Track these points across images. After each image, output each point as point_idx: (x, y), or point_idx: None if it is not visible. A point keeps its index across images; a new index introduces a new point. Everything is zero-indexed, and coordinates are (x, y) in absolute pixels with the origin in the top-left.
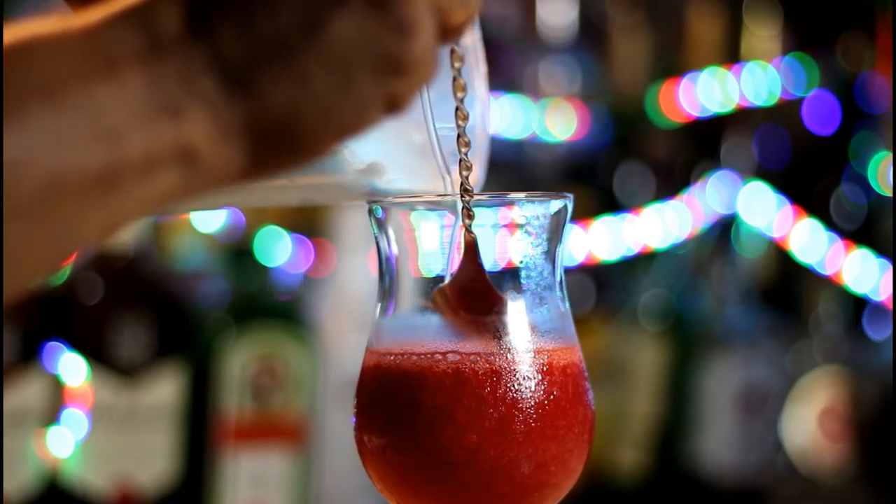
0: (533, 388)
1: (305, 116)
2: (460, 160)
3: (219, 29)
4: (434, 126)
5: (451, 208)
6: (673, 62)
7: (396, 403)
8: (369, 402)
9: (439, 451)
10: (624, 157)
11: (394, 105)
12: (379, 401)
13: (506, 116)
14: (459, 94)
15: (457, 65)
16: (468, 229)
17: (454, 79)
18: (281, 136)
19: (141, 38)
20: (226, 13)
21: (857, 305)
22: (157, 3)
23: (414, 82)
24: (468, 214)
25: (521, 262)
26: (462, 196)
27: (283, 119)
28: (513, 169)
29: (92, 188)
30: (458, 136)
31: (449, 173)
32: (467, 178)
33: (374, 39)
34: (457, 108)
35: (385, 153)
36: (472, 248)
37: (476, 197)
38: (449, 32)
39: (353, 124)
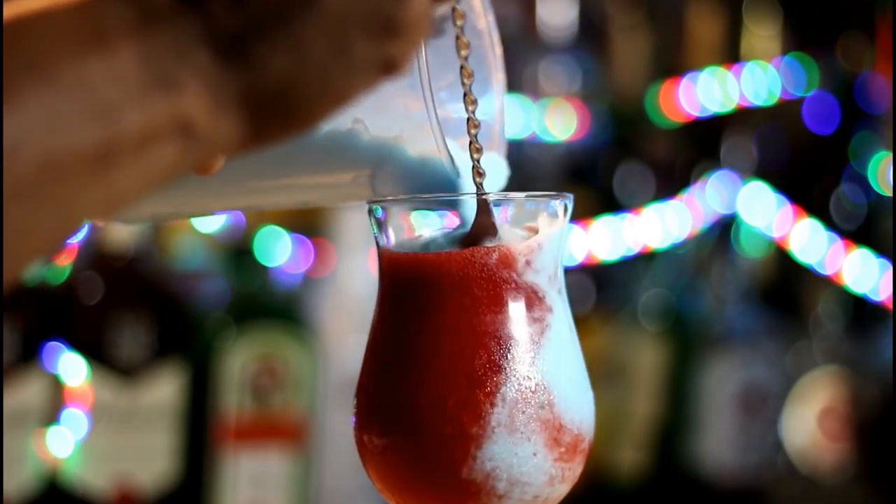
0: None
1: (303, 84)
2: (468, 118)
3: (212, 1)
4: (431, 93)
5: (452, 207)
6: (673, 62)
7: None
8: (369, 402)
9: (440, 451)
10: (624, 156)
11: (391, 67)
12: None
13: (505, 116)
14: (464, 52)
15: (459, 22)
16: (479, 187)
17: (457, 37)
18: (279, 105)
19: (133, 11)
20: None
21: (857, 305)
22: None
23: (410, 43)
24: (478, 172)
25: None
26: (472, 154)
27: (280, 87)
28: (512, 169)
29: (90, 166)
30: (465, 94)
31: (445, 142)
32: (476, 136)
33: (369, 1)
34: (462, 66)
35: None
36: (484, 206)
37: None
38: None
39: (351, 89)
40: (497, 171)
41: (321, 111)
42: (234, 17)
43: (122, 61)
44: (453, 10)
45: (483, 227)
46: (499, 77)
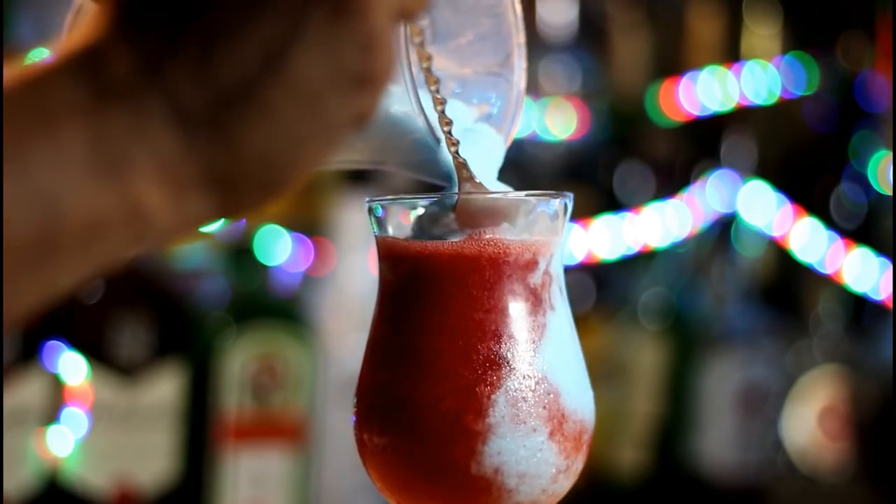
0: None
1: (277, 153)
2: (433, 97)
3: (174, 73)
4: (418, 95)
5: (452, 207)
6: (673, 61)
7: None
8: (369, 401)
9: (443, 448)
10: (624, 155)
11: (362, 118)
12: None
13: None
14: (425, 64)
15: (416, 39)
16: (456, 155)
17: (418, 52)
18: (252, 177)
19: (86, 88)
20: (180, 56)
21: (857, 304)
22: (105, 48)
23: (379, 92)
24: (452, 142)
25: None
26: (442, 127)
27: (254, 160)
28: (513, 168)
29: (26, 256)
30: (434, 99)
31: (437, 138)
32: (443, 111)
33: (339, 60)
34: (426, 76)
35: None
36: (464, 168)
37: (475, 195)
38: (406, 18)
39: (326, 149)
40: (489, 145)
41: (296, 176)
42: (199, 88)
43: (67, 145)
44: (410, 28)
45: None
46: (519, 39)
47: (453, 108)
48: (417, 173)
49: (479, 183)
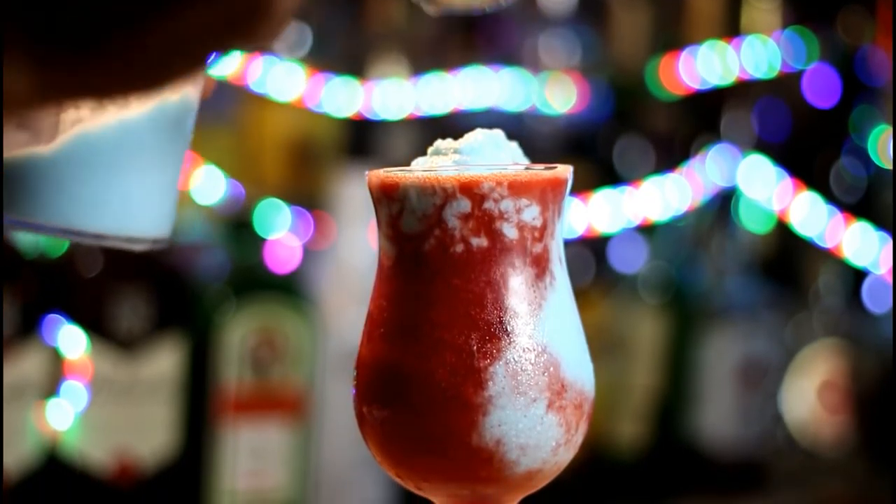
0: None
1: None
2: None
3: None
4: None
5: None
6: (673, 35)
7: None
8: (369, 374)
9: (440, 422)
10: (624, 129)
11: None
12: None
13: (505, 89)
14: None
15: None
16: None
17: None
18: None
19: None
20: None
21: (857, 278)
22: None
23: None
24: None
25: None
26: None
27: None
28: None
29: None
30: None
31: None
32: None
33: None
34: None
35: None
36: None
37: (477, 169)
38: None
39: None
40: None
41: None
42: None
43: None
44: None
45: None
46: None
47: None
48: None
49: None
